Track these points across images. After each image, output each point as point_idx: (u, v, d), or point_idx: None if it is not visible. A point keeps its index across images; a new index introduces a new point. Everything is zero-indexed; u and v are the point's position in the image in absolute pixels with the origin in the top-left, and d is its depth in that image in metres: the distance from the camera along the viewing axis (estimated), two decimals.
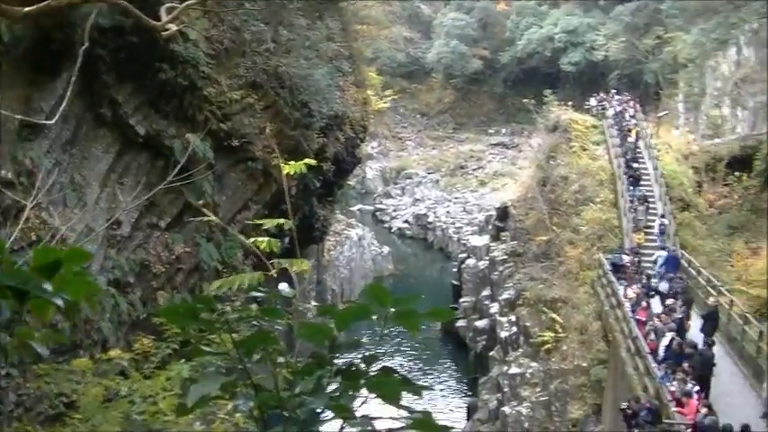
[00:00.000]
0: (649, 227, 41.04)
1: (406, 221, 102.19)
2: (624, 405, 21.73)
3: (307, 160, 6.16)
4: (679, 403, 21.41)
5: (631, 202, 42.80)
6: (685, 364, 22.90)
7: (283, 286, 3.55)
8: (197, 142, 25.56)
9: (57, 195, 22.05)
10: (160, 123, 25.22)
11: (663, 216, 42.47)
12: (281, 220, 4.10)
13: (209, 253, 28.16)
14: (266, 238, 5.41)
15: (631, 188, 44.10)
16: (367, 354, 3.04)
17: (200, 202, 26.35)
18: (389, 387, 2.83)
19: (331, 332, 2.89)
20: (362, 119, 44.39)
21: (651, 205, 42.57)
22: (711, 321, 27.99)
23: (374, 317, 3.03)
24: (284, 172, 6.24)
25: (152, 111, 25.43)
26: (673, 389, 22.14)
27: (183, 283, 27.78)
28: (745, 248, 39.17)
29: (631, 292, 30.69)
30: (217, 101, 27.44)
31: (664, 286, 33.48)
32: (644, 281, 32.56)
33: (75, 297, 2.81)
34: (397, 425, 2.78)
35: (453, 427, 2.83)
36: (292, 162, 5.88)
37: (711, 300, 29.89)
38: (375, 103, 62.68)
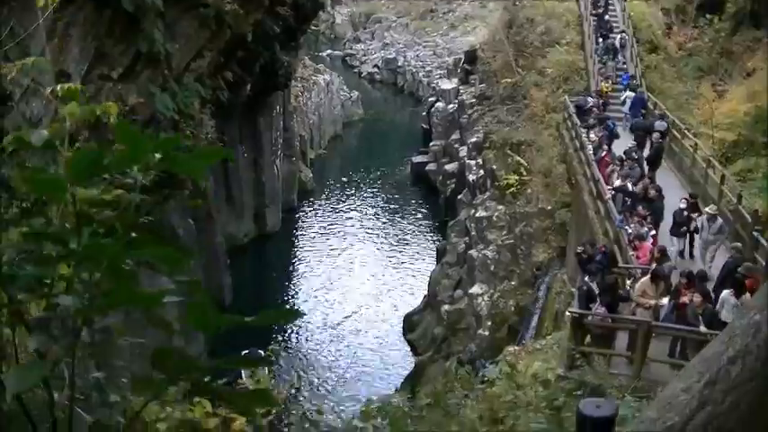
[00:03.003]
0: (618, 80, 40.40)
1: (376, 66, 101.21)
2: (579, 249, 21.65)
3: None
4: (636, 247, 21.42)
5: (600, 53, 42.01)
6: (640, 208, 22.80)
7: (38, 134, 3.07)
8: None
9: None
10: None
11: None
12: None
13: (165, 103, 27.60)
14: (69, 84, 4.88)
15: (600, 40, 43.18)
16: None
17: None
18: None
19: (65, 184, 2.48)
20: None
21: (620, 56, 41.86)
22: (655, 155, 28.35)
23: (135, 167, 2.61)
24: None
25: None
26: (630, 232, 22.11)
27: None
28: (712, 91, 38.77)
29: (594, 135, 30.43)
30: None
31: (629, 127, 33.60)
32: (608, 123, 32.27)
33: None
34: None
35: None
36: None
37: (655, 136, 29.74)
38: None
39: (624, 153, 28.15)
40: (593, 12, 45.55)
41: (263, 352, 37.50)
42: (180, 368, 2.41)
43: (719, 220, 21.59)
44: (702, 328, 15.98)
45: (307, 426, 6.40)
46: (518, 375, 13.42)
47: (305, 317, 45.67)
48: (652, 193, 23.87)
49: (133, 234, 2.66)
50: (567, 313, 18.62)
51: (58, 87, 5.79)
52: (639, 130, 31.62)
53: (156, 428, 4.74)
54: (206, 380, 2.53)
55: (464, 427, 7.37)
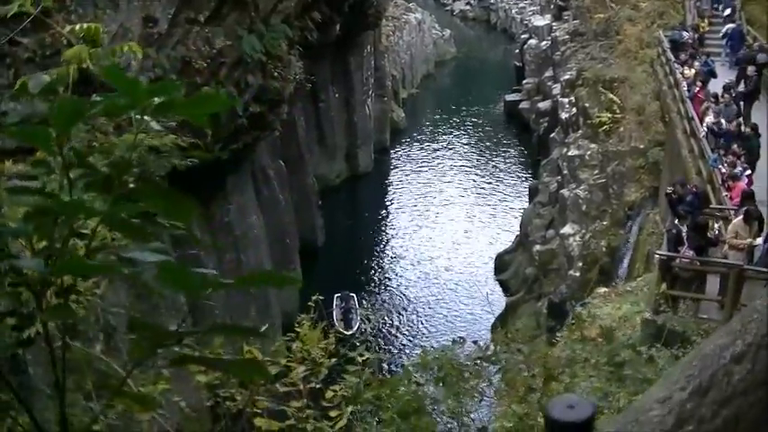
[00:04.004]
0: (715, 17, 38.82)
1: (468, 3, 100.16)
2: (669, 189, 20.99)
3: None
4: (729, 187, 20.79)
5: None
6: (735, 146, 22.03)
7: (37, 79, 2.93)
8: None
9: None
10: None
11: None
12: None
13: (252, 45, 27.59)
14: (89, 24, 4.78)
15: None
16: None
17: None
18: None
19: (50, 133, 2.37)
20: None
21: None
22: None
23: (132, 113, 2.50)
24: None
25: None
26: (724, 171, 21.46)
27: (227, 78, 27.42)
28: None
29: (688, 71, 29.52)
30: None
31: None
32: (706, 61, 31.21)
33: None
34: None
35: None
36: None
37: (751, 69, 28.59)
38: None
39: (723, 88, 27.23)
40: None
41: (354, 295, 38.05)
42: (156, 338, 2.31)
43: None
44: None
45: (357, 370, 6.40)
46: (587, 327, 13.19)
47: (396, 255, 45.94)
48: (746, 131, 23.09)
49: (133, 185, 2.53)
50: (656, 256, 18.22)
51: (77, 27, 5.65)
52: (744, 63, 30.48)
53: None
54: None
55: (516, 384, 7.27)
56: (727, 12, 38.26)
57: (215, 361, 2.48)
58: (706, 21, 37.32)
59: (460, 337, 7.63)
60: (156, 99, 2.49)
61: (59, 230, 2.44)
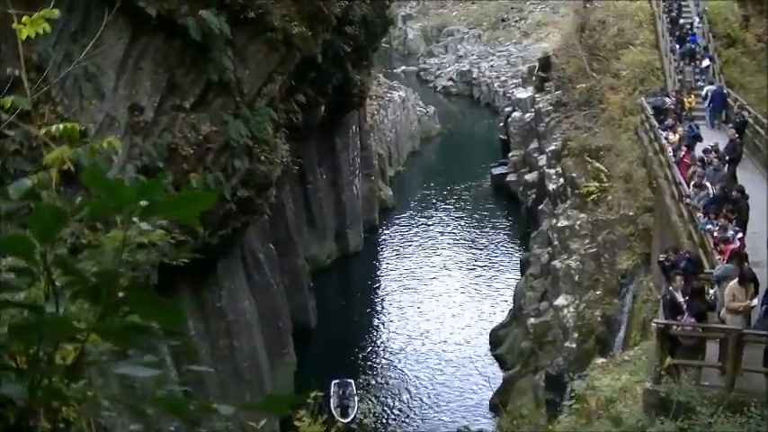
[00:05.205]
0: (698, 87, 39.08)
1: (451, 79, 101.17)
2: (662, 257, 20.89)
3: (45, 11, 5.49)
4: (722, 251, 20.67)
5: (677, 60, 40.83)
6: (725, 209, 21.94)
7: (19, 185, 2.82)
8: (211, 17, 24.78)
9: (71, 89, 21.55)
10: (171, 2, 24.29)
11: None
12: None
13: (238, 130, 27.69)
14: (67, 123, 4.73)
15: (677, 45, 41.96)
16: None
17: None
18: None
19: (32, 243, 2.26)
20: None
21: (698, 62, 40.53)
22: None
23: (118, 216, 2.41)
24: (22, 36, 5.56)
25: None
26: (716, 235, 21.37)
27: (214, 163, 27.45)
28: None
29: (673, 136, 29.68)
30: None
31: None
32: (691, 126, 31.40)
33: None
34: None
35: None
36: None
37: (731, 132, 28.89)
38: None
39: (703, 151, 27.42)
40: (666, 9, 44.48)
41: (352, 381, 37.68)
42: None
43: None
44: None
45: None
46: (588, 401, 12.97)
47: (390, 334, 45.61)
48: (733, 193, 23.11)
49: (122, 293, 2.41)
50: (653, 324, 18.00)
51: (53, 128, 5.58)
52: (741, 127, 30.77)
53: None
54: None
55: None
56: (706, 63, 38.76)
57: None
58: (692, 97, 37.24)
59: (466, 427, 7.41)
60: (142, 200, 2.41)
61: (44, 346, 2.33)
